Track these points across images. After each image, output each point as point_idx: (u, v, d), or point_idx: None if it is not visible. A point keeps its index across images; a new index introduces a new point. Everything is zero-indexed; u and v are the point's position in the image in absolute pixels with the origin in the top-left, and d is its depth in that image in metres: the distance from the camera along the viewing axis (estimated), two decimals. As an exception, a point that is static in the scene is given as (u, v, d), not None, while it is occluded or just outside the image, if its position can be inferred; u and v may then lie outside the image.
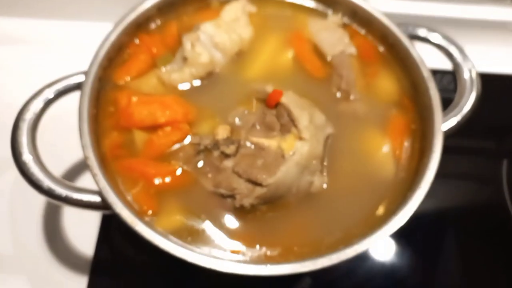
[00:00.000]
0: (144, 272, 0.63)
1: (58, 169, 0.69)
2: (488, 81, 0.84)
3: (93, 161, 0.48)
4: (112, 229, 0.65)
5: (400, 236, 0.69)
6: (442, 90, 0.83)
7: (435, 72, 0.71)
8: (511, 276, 0.70)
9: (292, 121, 0.53)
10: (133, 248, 0.64)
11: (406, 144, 0.56)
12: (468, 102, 0.57)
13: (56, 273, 0.63)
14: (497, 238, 0.73)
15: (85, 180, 0.69)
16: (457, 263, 0.70)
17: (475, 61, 0.85)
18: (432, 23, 0.85)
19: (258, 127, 0.55)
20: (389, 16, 0.70)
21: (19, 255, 0.65)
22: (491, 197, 0.76)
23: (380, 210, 0.51)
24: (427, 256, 0.69)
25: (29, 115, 0.51)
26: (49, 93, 0.53)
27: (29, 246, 0.65)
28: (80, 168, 0.70)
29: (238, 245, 0.48)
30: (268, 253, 0.48)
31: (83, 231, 0.66)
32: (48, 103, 0.53)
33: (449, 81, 0.87)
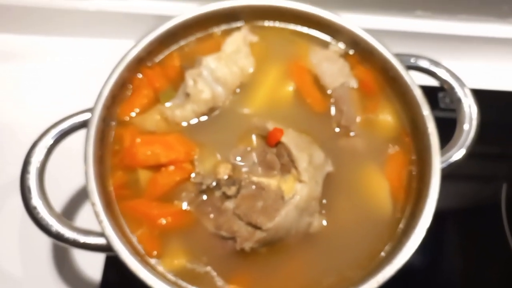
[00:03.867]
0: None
1: (60, 197, 0.71)
2: (492, 98, 0.86)
3: (99, 207, 0.50)
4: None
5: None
6: (445, 109, 0.86)
7: (439, 90, 0.72)
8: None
9: (292, 162, 0.55)
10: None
11: (404, 183, 0.57)
12: (467, 142, 0.57)
13: (66, 297, 0.66)
14: (495, 261, 0.74)
15: (88, 207, 0.71)
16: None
17: (482, 77, 0.86)
18: (437, 41, 0.87)
19: (258, 165, 0.57)
20: (385, 32, 0.69)
21: (28, 278, 0.68)
22: (489, 220, 0.77)
23: (376, 253, 0.53)
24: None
25: (36, 159, 0.53)
26: (55, 135, 0.55)
27: (38, 269, 0.68)
28: (82, 195, 0.72)
29: (238, 289, 0.50)
30: (267, 296, 0.50)
31: (91, 255, 0.68)
32: (54, 144, 0.55)
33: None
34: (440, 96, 0.86)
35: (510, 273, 0.74)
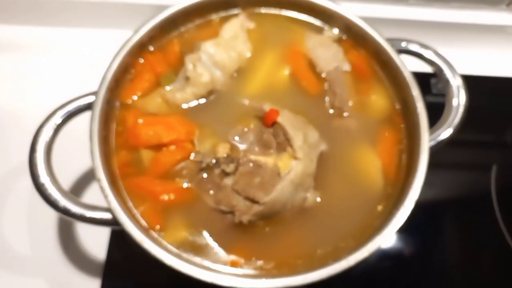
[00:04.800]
0: (155, 274, 0.68)
1: (67, 178, 0.74)
2: (483, 83, 0.88)
3: (104, 183, 0.53)
4: (123, 233, 0.70)
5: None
6: (436, 95, 0.88)
7: (432, 76, 0.74)
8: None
9: (288, 140, 0.57)
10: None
11: (394, 160, 0.60)
12: (454, 121, 0.60)
13: (71, 275, 0.69)
14: (488, 245, 0.76)
15: (93, 188, 0.74)
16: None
17: (473, 64, 0.89)
18: (430, 28, 0.89)
19: (256, 144, 0.59)
20: (379, 20, 0.72)
21: (36, 258, 0.70)
22: (480, 204, 0.79)
23: (367, 225, 0.55)
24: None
25: (43, 138, 0.56)
26: (62, 115, 0.57)
27: (46, 249, 0.71)
28: (88, 177, 0.75)
29: (236, 259, 0.53)
30: (264, 265, 0.53)
31: (95, 235, 0.71)
32: (61, 125, 0.57)
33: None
34: (432, 82, 0.88)
35: (503, 257, 0.75)
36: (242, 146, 0.59)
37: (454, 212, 0.79)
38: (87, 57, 0.87)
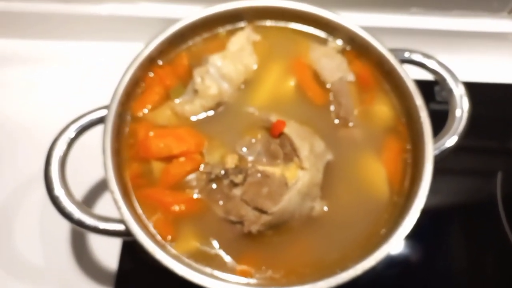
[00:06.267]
0: (166, 284, 0.69)
1: (80, 190, 0.76)
2: (486, 90, 0.89)
3: (117, 195, 0.54)
4: (135, 243, 0.72)
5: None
6: (440, 102, 0.89)
7: (435, 84, 0.75)
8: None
9: (294, 151, 0.59)
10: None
11: (400, 169, 0.61)
12: (458, 130, 0.61)
13: (84, 286, 0.70)
14: (493, 250, 0.77)
15: (105, 198, 0.76)
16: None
17: (476, 71, 0.90)
18: (433, 36, 0.90)
19: (263, 155, 0.61)
20: (381, 29, 0.73)
21: (49, 269, 0.72)
22: (485, 209, 0.80)
23: (374, 234, 0.56)
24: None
25: (57, 152, 0.57)
26: (75, 129, 0.59)
27: (58, 260, 0.72)
28: (99, 188, 0.77)
29: (246, 268, 0.54)
30: (273, 274, 0.54)
31: (107, 245, 0.72)
32: (74, 138, 0.59)
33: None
34: (436, 89, 0.89)
35: (509, 263, 0.76)
36: (250, 157, 0.60)
37: (460, 219, 0.79)
38: (96, 70, 0.89)
